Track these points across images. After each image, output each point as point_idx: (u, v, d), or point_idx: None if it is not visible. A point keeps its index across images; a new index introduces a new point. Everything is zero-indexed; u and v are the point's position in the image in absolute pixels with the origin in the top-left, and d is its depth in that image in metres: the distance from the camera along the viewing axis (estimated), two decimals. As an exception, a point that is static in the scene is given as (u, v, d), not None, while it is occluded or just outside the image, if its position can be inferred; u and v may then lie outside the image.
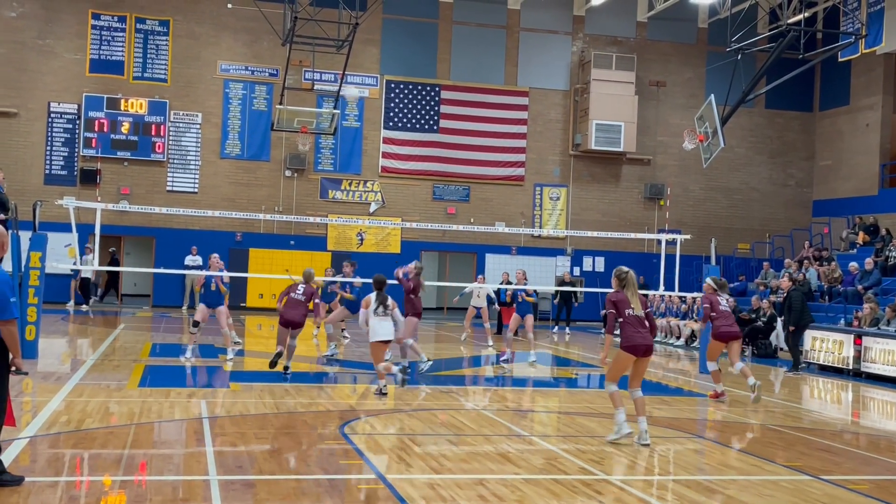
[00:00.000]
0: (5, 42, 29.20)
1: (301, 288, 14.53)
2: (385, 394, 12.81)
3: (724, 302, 14.34)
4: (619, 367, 10.25)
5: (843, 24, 27.54)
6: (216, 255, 16.93)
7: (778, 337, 21.96)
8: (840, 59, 28.62)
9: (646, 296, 12.81)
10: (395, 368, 12.93)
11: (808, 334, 19.73)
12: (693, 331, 23.81)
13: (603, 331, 18.42)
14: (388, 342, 12.97)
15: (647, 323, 10.16)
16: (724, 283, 14.92)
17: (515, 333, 18.41)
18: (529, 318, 17.95)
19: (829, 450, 10.43)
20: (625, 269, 10.45)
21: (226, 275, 16.55)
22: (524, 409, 12.82)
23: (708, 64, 33.62)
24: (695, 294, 21.44)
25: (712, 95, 26.92)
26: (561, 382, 16.23)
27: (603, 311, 9.60)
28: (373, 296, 12.93)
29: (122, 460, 8.37)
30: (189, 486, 7.61)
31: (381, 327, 12.80)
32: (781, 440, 10.88)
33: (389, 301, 12.95)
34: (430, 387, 14.01)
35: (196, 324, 15.85)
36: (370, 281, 13.55)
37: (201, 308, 16.15)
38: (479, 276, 23.79)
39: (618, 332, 10.24)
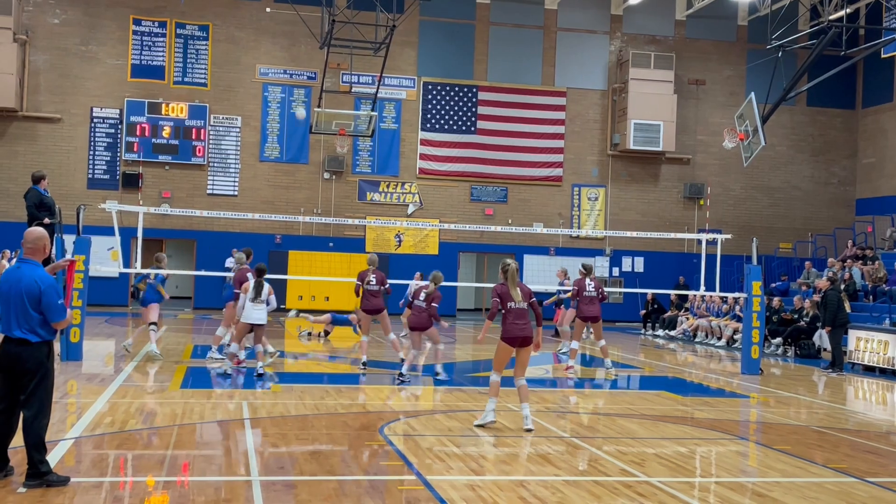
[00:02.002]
0: (49, 48, 29.65)
1: (373, 278, 15.33)
2: (262, 375, 14.08)
3: (591, 286, 16.39)
4: (502, 357, 10.72)
5: (886, 20, 27.15)
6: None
7: (821, 337, 21.69)
8: (883, 56, 28.21)
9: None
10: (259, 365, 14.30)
11: (853, 334, 19.49)
12: (735, 331, 23.57)
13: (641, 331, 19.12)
14: (259, 325, 14.33)
15: (528, 314, 10.60)
16: (591, 267, 17.01)
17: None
18: (562, 312, 19.41)
19: (875, 451, 10.27)
20: (508, 261, 10.86)
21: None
22: (564, 410, 12.77)
23: (748, 62, 33.28)
24: (736, 294, 21.22)
25: (753, 93, 26.63)
26: (600, 383, 16.13)
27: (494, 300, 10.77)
28: (251, 283, 14.28)
29: (165, 461, 8.45)
30: (231, 486, 7.66)
31: (255, 311, 14.18)
32: (826, 442, 10.73)
33: (266, 288, 14.31)
34: (470, 388, 14.00)
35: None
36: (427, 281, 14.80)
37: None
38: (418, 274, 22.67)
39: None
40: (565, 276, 20.65)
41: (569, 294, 18.55)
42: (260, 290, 14.24)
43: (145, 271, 16.45)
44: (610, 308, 31.05)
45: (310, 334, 21.77)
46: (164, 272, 16.55)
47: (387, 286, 15.60)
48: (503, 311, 10.57)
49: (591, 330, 16.73)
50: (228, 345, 15.12)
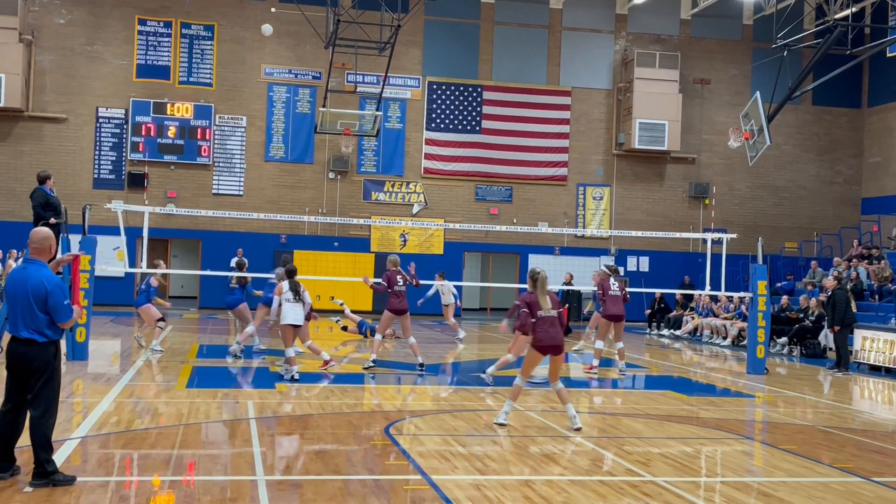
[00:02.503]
0: (54, 48, 29.71)
1: (399, 279, 15.51)
2: (297, 380, 13.65)
3: (615, 286, 16.46)
4: (531, 363, 10.76)
5: (892, 19, 27.10)
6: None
7: (827, 337, 21.66)
8: (888, 55, 28.17)
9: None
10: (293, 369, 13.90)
11: (858, 334, 19.46)
12: (740, 330, 23.55)
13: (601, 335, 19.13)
14: (297, 326, 14.01)
15: (557, 322, 10.58)
16: (615, 268, 17.02)
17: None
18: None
19: (881, 451, 10.26)
20: (538, 269, 10.83)
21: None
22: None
23: (753, 61, 33.24)
24: (741, 294, 21.20)
25: (758, 93, 26.62)
26: (606, 383, 16.11)
27: (516, 305, 11.02)
28: (285, 283, 14.04)
29: (171, 460, 8.47)
30: (237, 486, 7.67)
31: (292, 312, 13.90)
32: (832, 441, 10.72)
33: (301, 287, 14.15)
34: (474, 387, 14.01)
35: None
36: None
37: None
38: (438, 274, 22.28)
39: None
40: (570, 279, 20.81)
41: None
42: (297, 291, 14.10)
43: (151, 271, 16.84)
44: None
45: (342, 327, 22.45)
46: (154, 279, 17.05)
47: (416, 281, 16.62)
48: (533, 321, 10.48)
49: (613, 331, 16.81)
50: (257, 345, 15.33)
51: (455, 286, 22.98)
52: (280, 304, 14.09)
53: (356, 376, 15.31)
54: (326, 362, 14.95)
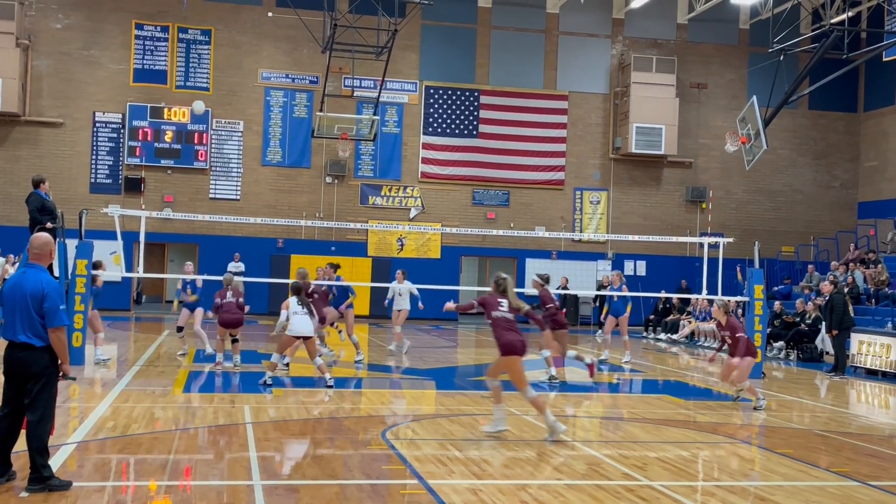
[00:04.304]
0: (51, 53, 29.71)
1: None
2: (269, 385, 13.55)
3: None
4: (496, 367, 10.71)
5: (888, 24, 27.14)
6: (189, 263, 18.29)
7: (823, 341, 21.68)
8: (885, 59, 28.20)
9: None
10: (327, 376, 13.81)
11: (855, 338, 19.47)
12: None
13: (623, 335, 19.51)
14: (307, 338, 13.91)
15: (515, 326, 10.53)
16: (548, 276, 15.99)
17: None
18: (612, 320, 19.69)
19: (877, 455, 10.27)
20: (503, 275, 10.71)
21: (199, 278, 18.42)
22: (566, 414, 12.76)
23: (750, 65, 33.30)
24: (738, 298, 21.18)
25: (754, 97, 26.64)
26: (603, 387, 16.12)
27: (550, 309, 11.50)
28: (293, 299, 13.97)
29: (168, 465, 8.46)
30: (233, 490, 7.67)
31: (300, 323, 13.83)
32: (828, 445, 10.73)
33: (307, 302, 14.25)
34: (472, 392, 14.00)
35: (180, 328, 17.73)
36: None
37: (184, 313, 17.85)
38: (399, 272, 20.59)
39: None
40: (621, 280, 19.97)
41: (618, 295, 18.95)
42: (304, 304, 14.03)
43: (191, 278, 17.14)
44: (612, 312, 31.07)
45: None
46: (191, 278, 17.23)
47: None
48: (489, 321, 10.84)
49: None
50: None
51: (452, 291, 22.22)
52: (287, 318, 13.93)
53: (353, 381, 15.30)
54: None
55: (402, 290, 19.52)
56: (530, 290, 22.73)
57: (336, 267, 18.34)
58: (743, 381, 13.25)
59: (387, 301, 20.48)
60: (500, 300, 10.40)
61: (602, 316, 21.18)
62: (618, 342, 20.17)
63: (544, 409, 10.30)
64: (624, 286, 19.46)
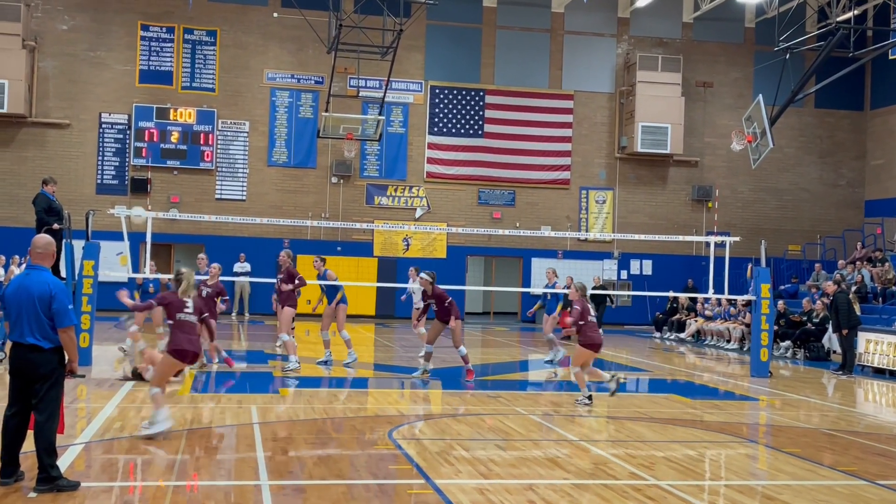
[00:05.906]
0: (58, 54, 29.77)
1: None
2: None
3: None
4: (585, 358, 12.91)
5: (894, 21, 27.08)
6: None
7: (830, 340, 21.64)
8: (891, 57, 28.14)
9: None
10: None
11: (862, 336, 19.43)
12: (744, 333, 23.50)
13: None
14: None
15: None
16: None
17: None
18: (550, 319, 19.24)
19: (885, 454, 10.24)
20: (582, 282, 13.28)
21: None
22: (573, 413, 12.75)
23: (756, 64, 33.23)
24: (744, 297, 21.16)
25: (760, 95, 26.61)
26: (607, 387, 16.10)
27: (576, 310, 11.94)
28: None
29: (175, 466, 8.47)
30: (241, 491, 7.68)
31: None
32: (836, 444, 10.70)
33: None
34: (479, 391, 14.00)
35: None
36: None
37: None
38: (412, 269, 20.48)
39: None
40: (556, 277, 19.93)
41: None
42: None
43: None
44: (618, 311, 31.07)
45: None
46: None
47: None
48: (581, 323, 12.62)
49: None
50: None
51: (458, 290, 22.07)
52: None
53: (359, 381, 15.31)
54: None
55: (416, 289, 19.39)
56: (536, 290, 22.75)
57: (323, 260, 18.05)
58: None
59: (404, 297, 20.84)
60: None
61: (557, 312, 20.50)
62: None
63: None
64: (558, 284, 19.43)
